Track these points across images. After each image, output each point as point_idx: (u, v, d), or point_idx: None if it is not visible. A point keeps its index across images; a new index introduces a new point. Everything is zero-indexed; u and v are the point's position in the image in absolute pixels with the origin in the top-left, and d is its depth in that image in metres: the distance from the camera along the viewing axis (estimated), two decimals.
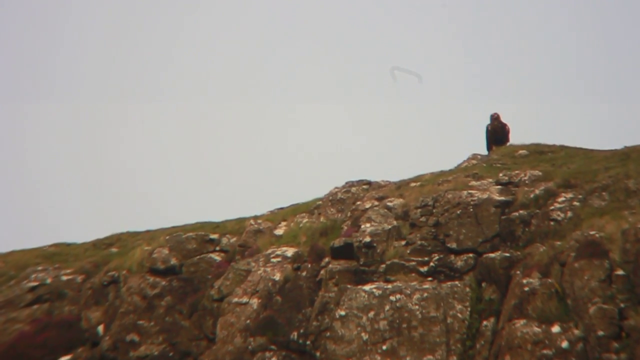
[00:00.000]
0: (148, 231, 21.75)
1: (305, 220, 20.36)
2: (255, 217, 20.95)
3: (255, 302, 17.66)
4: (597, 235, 15.85)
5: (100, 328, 18.80)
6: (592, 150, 21.65)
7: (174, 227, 21.14)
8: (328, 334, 16.46)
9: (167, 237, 20.16)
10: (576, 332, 14.50)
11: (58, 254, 21.51)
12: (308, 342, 16.62)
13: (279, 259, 18.61)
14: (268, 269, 18.31)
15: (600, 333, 14.18)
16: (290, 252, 18.79)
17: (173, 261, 19.48)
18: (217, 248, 19.85)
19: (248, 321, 17.35)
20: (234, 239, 20.12)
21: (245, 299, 17.76)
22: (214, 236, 20.14)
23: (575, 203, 17.43)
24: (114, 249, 21.41)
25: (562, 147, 22.17)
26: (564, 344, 14.35)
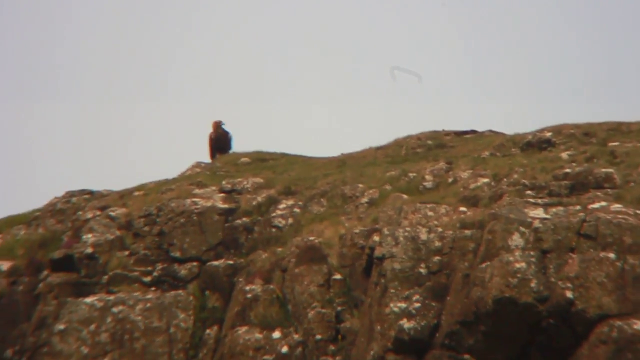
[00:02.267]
0: None
1: (23, 232, 19.44)
2: None
3: None
4: (316, 240, 16.36)
5: None
6: (311, 158, 22.33)
7: None
8: (46, 349, 15.86)
9: None
10: (296, 337, 14.87)
11: None
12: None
13: None
14: None
15: (319, 337, 14.66)
16: (5, 266, 17.86)
17: None
18: None
19: None
20: None
21: None
22: None
23: (296, 210, 17.89)
24: None
25: (284, 155, 22.71)
26: (284, 349, 14.69)
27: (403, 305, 13.82)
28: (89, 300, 16.49)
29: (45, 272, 17.44)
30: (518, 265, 13.24)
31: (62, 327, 16.05)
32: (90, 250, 17.60)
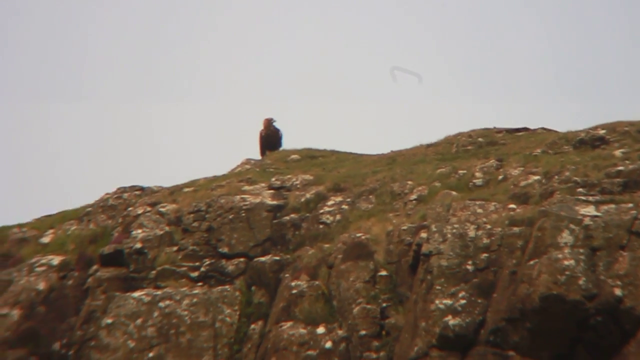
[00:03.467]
0: None
1: (74, 227, 19.65)
2: (20, 225, 20.01)
3: (16, 313, 16.86)
4: (363, 237, 16.25)
5: None
6: (361, 155, 22.23)
7: None
8: (93, 343, 15.98)
9: None
10: (340, 332, 14.79)
11: None
12: (71, 353, 16.08)
13: (44, 268, 17.86)
14: (32, 279, 17.53)
15: (363, 332, 14.55)
16: (56, 260, 18.08)
17: None
18: None
19: (7, 333, 16.52)
20: None
21: (5, 311, 16.91)
22: None
23: (344, 206, 17.80)
24: None
25: (333, 152, 22.65)
26: (328, 344, 14.61)
27: (448, 301, 13.66)
28: (136, 294, 16.59)
29: (95, 267, 17.61)
30: (566, 263, 13.03)
31: (109, 320, 16.16)
32: (139, 245, 17.72)
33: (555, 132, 20.47)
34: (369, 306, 14.82)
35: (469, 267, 14.09)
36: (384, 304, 14.88)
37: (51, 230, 19.65)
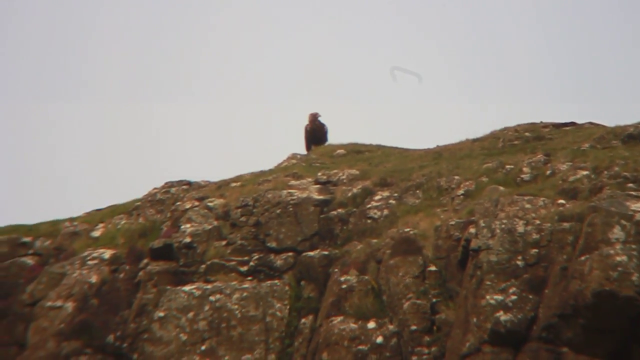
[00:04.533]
0: None
1: (123, 221, 19.93)
2: (72, 219, 20.33)
3: (70, 305, 17.16)
4: (411, 232, 16.32)
5: None
6: (407, 150, 22.27)
7: None
8: (146, 335, 16.21)
9: None
10: (391, 327, 14.88)
11: None
12: (125, 345, 16.31)
13: (96, 262, 18.14)
14: (84, 272, 17.82)
15: (413, 327, 14.62)
16: (107, 254, 18.35)
17: None
18: (31, 251, 19.08)
19: (62, 325, 16.82)
20: (49, 241, 19.42)
21: (59, 303, 17.22)
22: (27, 239, 19.36)
23: (391, 201, 17.87)
24: None
25: (379, 147, 22.71)
26: (379, 339, 14.69)
27: (499, 297, 13.69)
28: (187, 288, 16.79)
29: (145, 261, 17.82)
30: (618, 259, 12.99)
31: (161, 314, 16.38)
32: (188, 240, 17.92)
33: (603, 126, 20.38)
34: (419, 301, 14.90)
35: (519, 263, 14.11)
36: (434, 299, 14.95)
37: (101, 224, 19.94)
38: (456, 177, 17.94)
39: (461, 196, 17.22)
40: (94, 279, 17.61)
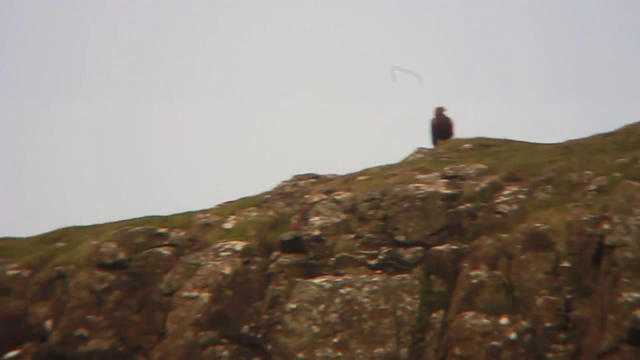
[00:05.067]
0: (95, 225, 21.40)
1: (254, 214, 20.31)
2: (204, 211, 20.82)
3: (205, 296, 17.65)
4: (542, 227, 16.19)
5: (48, 323, 18.59)
6: (535, 144, 21.96)
7: (121, 221, 20.88)
8: (279, 327, 16.55)
9: (115, 232, 19.95)
10: (524, 323, 14.82)
11: (3, 248, 21.13)
12: (259, 336, 16.69)
13: (228, 253, 18.57)
14: (218, 263, 18.28)
15: (548, 324, 14.53)
16: (239, 246, 18.76)
17: (121, 255, 19.31)
18: (166, 242, 19.68)
19: (198, 315, 17.32)
20: (183, 232, 19.98)
21: (195, 293, 17.73)
22: (163, 230, 19.97)
23: (521, 196, 17.73)
24: (60, 244, 21.07)
25: (507, 141, 22.45)
26: (512, 335, 14.66)
27: (637, 295, 13.50)
28: (317, 280, 17.05)
29: (276, 253, 18.14)
30: None
31: (293, 306, 16.70)
32: (317, 233, 18.16)
33: None
34: (552, 297, 14.80)
35: None
36: (568, 296, 14.82)
37: (232, 217, 20.35)
38: (588, 172, 17.67)
39: (593, 191, 16.97)
40: (227, 270, 18.05)
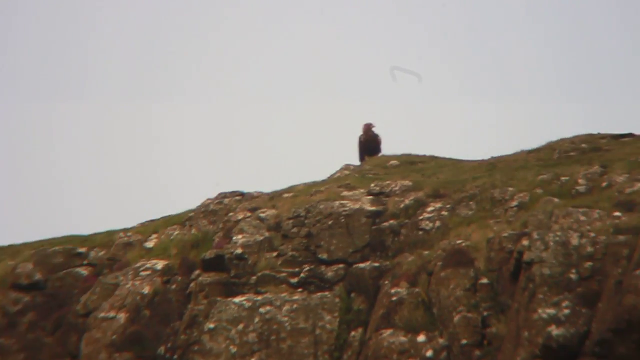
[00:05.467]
0: (12, 246, 21.00)
1: (177, 232, 20.05)
2: (126, 230, 20.52)
3: (122, 316, 17.30)
4: (463, 244, 16.14)
5: None
6: (461, 161, 22.04)
7: (40, 241, 20.50)
8: (196, 347, 16.24)
9: (33, 252, 19.54)
10: (441, 341, 14.69)
11: None
12: (175, 357, 16.36)
13: (148, 273, 18.28)
14: (137, 283, 17.97)
15: (464, 341, 14.42)
16: (160, 265, 18.49)
17: (38, 276, 18.89)
18: (85, 262, 19.34)
19: (115, 336, 16.97)
20: (103, 252, 19.65)
21: (112, 314, 17.38)
22: (82, 250, 19.63)
23: (444, 213, 17.69)
24: None
25: (433, 158, 22.53)
26: (429, 353, 14.53)
27: (552, 311, 13.43)
28: (237, 300, 16.81)
29: (197, 272, 17.89)
30: None
31: (211, 326, 16.41)
32: (240, 251, 17.94)
33: None
34: (470, 315, 14.70)
35: (573, 276, 13.84)
36: (485, 313, 14.74)
37: (155, 235, 20.09)
38: (510, 189, 17.69)
39: (515, 208, 16.97)
40: (146, 290, 17.73)
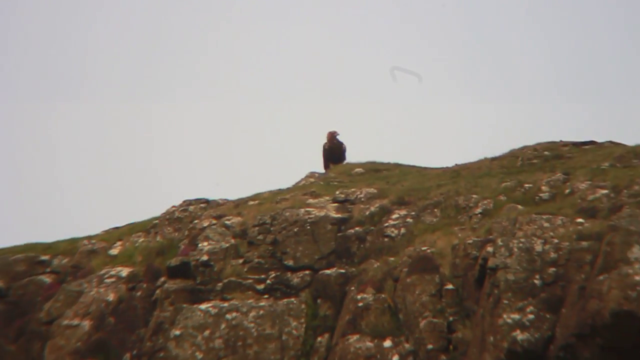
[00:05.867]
0: None
1: (141, 239, 19.96)
2: (90, 237, 20.39)
3: (87, 324, 17.17)
4: (428, 250, 16.25)
5: None
6: (425, 168, 22.21)
7: (1, 249, 20.31)
8: (162, 354, 16.16)
9: None
10: (407, 346, 14.77)
11: None
12: None
13: (113, 280, 18.18)
14: (101, 290, 17.85)
15: (430, 346, 14.51)
16: (125, 272, 18.38)
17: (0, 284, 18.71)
18: (48, 269, 19.17)
19: (79, 344, 16.84)
20: (66, 259, 19.50)
21: (76, 321, 17.24)
22: (45, 257, 19.47)
23: (409, 220, 17.80)
24: None
25: (397, 165, 22.67)
26: (395, 358, 14.60)
27: (516, 316, 13.57)
28: (203, 306, 16.76)
29: (162, 279, 17.83)
30: (637, 278, 12.85)
31: (177, 332, 16.34)
32: (205, 258, 17.90)
33: (624, 145, 20.23)
34: (435, 320, 14.80)
35: (537, 282, 13.99)
36: (451, 318, 14.85)
37: (119, 242, 19.99)
38: (474, 196, 17.85)
39: (479, 215, 17.13)
40: (111, 297, 17.62)
